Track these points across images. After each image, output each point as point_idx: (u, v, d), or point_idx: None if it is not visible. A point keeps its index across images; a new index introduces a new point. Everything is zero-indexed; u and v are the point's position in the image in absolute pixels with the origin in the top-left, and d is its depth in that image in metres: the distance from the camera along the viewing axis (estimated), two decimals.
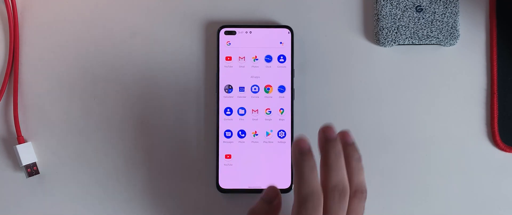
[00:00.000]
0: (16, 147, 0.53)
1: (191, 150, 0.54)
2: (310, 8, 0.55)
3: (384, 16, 0.53)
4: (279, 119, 0.53)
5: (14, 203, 0.54)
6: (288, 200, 0.54)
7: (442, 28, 0.53)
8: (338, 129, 0.53)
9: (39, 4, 0.55)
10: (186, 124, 0.54)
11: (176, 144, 0.54)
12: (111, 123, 0.54)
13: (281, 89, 0.53)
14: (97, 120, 0.54)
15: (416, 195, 0.54)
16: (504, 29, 0.54)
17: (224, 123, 0.53)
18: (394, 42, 0.53)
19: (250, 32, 0.53)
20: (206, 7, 0.55)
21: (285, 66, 0.53)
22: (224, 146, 0.53)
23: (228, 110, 0.53)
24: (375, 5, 0.54)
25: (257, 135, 0.53)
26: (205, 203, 0.53)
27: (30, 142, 0.53)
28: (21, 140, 0.53)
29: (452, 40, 0.53)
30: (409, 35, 0.53)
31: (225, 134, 0.53)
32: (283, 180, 0.53)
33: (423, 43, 0.53)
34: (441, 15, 0.53)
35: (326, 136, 0.44)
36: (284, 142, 0.53)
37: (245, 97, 0.53)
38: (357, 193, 0.44)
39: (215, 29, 0.54)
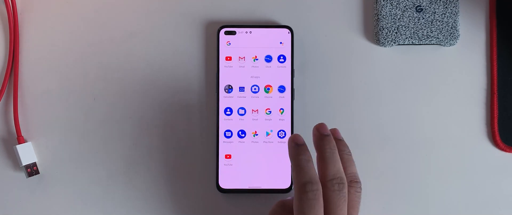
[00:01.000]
0: (16, 147, 0.53)
1: (191, 150, 0.54)
2: (310, 8, 0.55)
3: (384, 16, 0.53)
4: (279, 119, 0.53)
5: (14, 203, 0.54)
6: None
7: (442, 28, 0.53)
8: (338, 128, 0.53)
9: (39, 4, 0.55)
10: (186, 124, 0.54)
11: (176, 144, 0.54)
12: (111, 123, 0.54)
13: (281, 89, 0.53)
14: (97, 120, 0.54)
15: (416, 195, 0.54)
16: (504, 29, 0.54)
17: (224, 123, 0.53)
18: (394, 42, 0.53)
19: (250, 32, 0.53)
20: (206, 7, 0.55)
21: (285, 66, 0.53)
22: (224, 146, 0.53)
23: (228, 110, 0.53)
24: (375, 5, 0.54)
25: (257, 135, 0.53)
26: (205, 203, 0.53)
27: (30, 142, 0.53)
28: (21, 140, 0.53)
29: (452, 40, 0.53)
30: (409, 35, 0.53)
31: (225, 134, 0.53)
32: (283, 180, 0.53)
33: (423, 43, 0.53)
34: (441, 15, 0.53)
35: (320, 132, 0.47)
36: (284, 142, 0.53)
37: (245, 97, 0.53)
38: (353, 183, 0.47)
39: (215, 29, 0.54)
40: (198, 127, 0.54)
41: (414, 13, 0.53)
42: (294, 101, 0.53)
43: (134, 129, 0.54)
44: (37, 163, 0.54)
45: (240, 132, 0.53)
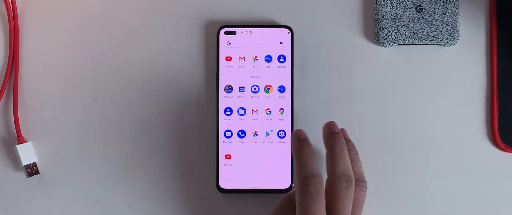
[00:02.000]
0: (16, 147, 0.53)
1: (191, 150, 0.54)
2: (310, 8, 0.55)
3: (384, 16, 0.53)
4: (279, 119, 0.53)
5: (14, 203, 0.54)
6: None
7: (442, 28, 0.53)
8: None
9: (39, 4, 0.55)
10: (186, 123, 0.54)
11: (176, 143, 0.54)
12: (111, 123, 0.54)
13: (281, 89, 0.53)
14: (97, 120, 0.54)
15: (416, 195, 0.54)
16: (504, 29, 0.54)
17: (224, 123, 0.53)
18: (394, 42, 0.53)
19: (250, 32, 0.53)
20: (206, 7, 0.55)
21: (285, 66, 0.53)
22: (224, 146, 0.53)
23: (228, 110, 0.53)
24: (375, 5, 0.54)
25: (257, 135, 0.53)
26: (205, 203, 0.53)
27: (30, 142, 0.53)
28: (21, 140, 0.53)
29: (452, 40, 0.53)
30: (409, 35, 0.53)
31: (225, 134, 0.53)
32: (283, 180, 0.53)
33: (423, 43, 0.53)
34: (441, 15, 0.53)
35: (331, 130, 0.48)
36: (284, 142, 0.53)
37: (245, 97, 0.53)
38: (359, 182, 0.47)
39: (215, 29, 0.54)
40: (198, 127, 0.54)
41: (414, 13, 0.53)
42: (294, 101, 0.53)
43: (134, 129, 0.54)
44: (37, 163, 0.54)
45: (240, 132, 0.53)
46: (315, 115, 0.54)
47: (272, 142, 0.53)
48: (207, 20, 0.54)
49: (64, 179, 0.54)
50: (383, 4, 0.53)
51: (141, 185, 0.54)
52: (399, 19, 0.53)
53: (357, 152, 0.49)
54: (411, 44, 0.54)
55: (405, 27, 0.53)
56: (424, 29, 0.53)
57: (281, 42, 0.53)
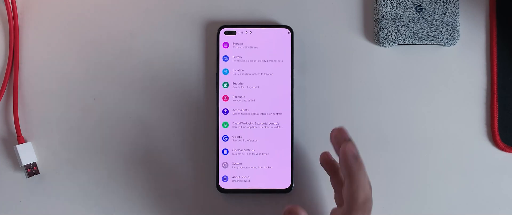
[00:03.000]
0: (16, 147, 0.53)
1: (191, 150, 0.54)
2: (310, 8, 0.55)
3: (384, 16, 0.53)
4: (279, 119, 0.53)
5: (14, 203, 0.54)
6: (288, 200, 0.54)
7: (442, 28, 0.53)
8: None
9: (39, 4, 0.55)
10: (186, 123, 0.54)
11: (176, 143, 0.54)
12: (111, 123, 0.54)
13: (281, 89, 0.53)
14: (97, 120, 0.54)
15: (416, 195, 0.54)
16: (504, 29, 0.54)
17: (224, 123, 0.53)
18: (394, 42, 0.53)
19: (250, 32, 0.53)
20: (206, 7, 0.55)
21: (285, 66, 0.53)
22: (224, 145, 0.53)
23: (228, 109, 0.53)
24: (375, 5, 0.54)
25: (257, 135, 0.53)
26: (205, 203, 0.53)
27: (30, 142, 0.53)
28: (21, 140, 0.53)
29: (452, 40, 0.53)
30: (409, 35, 0.53)
31: (225, 134, 0.53)
32: (283, 180, 0.53)
33: (423, 43, 0.53)
34: (441, 15, 0.53)
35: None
36: (284, 142, 0.53)
37: (245, 97, 0.53)
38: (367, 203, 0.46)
39: (215, 29, 0.54)
40: (198, 127, 0.54)
41: (414, 13, 0.53)
42: (294, 101, 0.53)
43: (134, 129, 0.54)
44: (37, 163, 0.54)
45: (240, 132, 0.53)
46: (315, 115, 0.54)
47: (272, 142, 0.53)
48: (207, 20, 0.54)
49: (64, 179, 0.54)
50: (383, 4, 0.53)
51: (141, 185, 0.54)
52: (399, 19, 0.53)
53: (357, 154, 0.46)
54: (411, 44, 0.54)
55: (405, 27, 0.53)
56: (424, 29, 0.53)
57: (281, 42, 0.53)
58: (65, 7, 0.55)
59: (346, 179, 0.45)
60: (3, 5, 0.54)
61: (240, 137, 0.53)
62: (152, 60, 0.54)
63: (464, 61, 0.54)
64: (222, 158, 0.53)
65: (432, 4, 0.53)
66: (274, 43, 0.53)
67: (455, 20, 0.53)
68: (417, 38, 0.53)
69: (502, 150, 0.53)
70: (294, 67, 0.54)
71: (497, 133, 0.53)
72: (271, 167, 0.53)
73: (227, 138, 0.53)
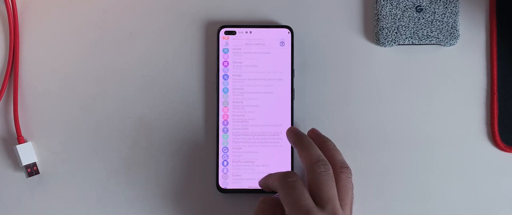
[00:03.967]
0: (16, 147, 0.53)
1: (191, 150, 0.54)
2: (310, 8, 0.55)
3: (384, 16, 0.53)
4: (279, 119, 0.53)
5: (14, 203, 0.54)
6: None
7: (442, 28, 0.53)
8: (337, 128, 0.53)
9: (39, 4, 0.55)
10: (186, 124, 0.54)
11: (176, 144, 0.54)
12: (111, 123, 0.54)
13: (281, 89, 0.53)
14: (97, 120, 0.54)
15: (416, 195, 0.53)
16: (504, 29, 0.54)
17: (224, 123, 0.53)
18: (394, 42, 0.53)
19: (250, 32, 0.53)
20: (206, 7, 0.55)
21: (285, 66, 0.53)
22: (224, 145, 0.53)
23: (227, 109, 0.53)
24: (375, 5, 0.54)
25: (257, 134, 0.53)
26: (205, 203, 0.53)
27: (30, 142, 0.53)
28: (21, 140, 0.53)
29: (452, 40, 0.53)
30: (409, 35, 0.53)
31: (224, 134, 0.53)
32: None
33: (423, 43, 0.53)
34: (441, 15, 0.53)
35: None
36: (284, 142, 0.53)
37: (244, 97, 0.53)
38: (343, 168, 0.47)
39: (215, 29, 0.54)
40: (198, 127, 0.54)
41: (414, 13, 0.53)
42: (294, 101, 0.53)
43: (134, 129, 0.54)
44: (37, 163, 0.54)
45: (240, 132, 0.53)
46: (315, 115, 0.54)
47: (272, 142, 0.53)
48: (207, 20, 0.54)
49: (64, 179, 0.54)
50: (383, 4, 0.53)
51: (141, 185, 0.54)
52: (399, 19, 0.53)
53: (333, 143, 0.49)
54: (411, 44, 0.54)
55: (405, 27, 0.53)
56: (424, 29, 0.53)
57: (281, 42, 0.53)
58: (65, 7, 0.55)
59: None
60: (3, 5, 0.54)
61: (240, 136, 0.53)
62: (152, 60, 0.54)
63: (464, 61, 0.54)
64: (222, 157, 0.53)
65: (432, 4, 0.53)
66: (274, 43, 0.53)
67: (455, 20, 0.53)
68: (417, 38, 0.53)
69: (502, 150, 0.53)
70: (294, 67, 0.54)
71: (497, 133, 0.53)
72: (271, 167, 0.53)
73: (227, 137, 0.53)
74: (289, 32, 0.53)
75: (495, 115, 0.53)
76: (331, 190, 0.45)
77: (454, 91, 0.54)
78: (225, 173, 0.53)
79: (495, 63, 0.54)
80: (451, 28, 0.53)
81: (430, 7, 0.53)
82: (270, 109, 0.53)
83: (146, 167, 0.54)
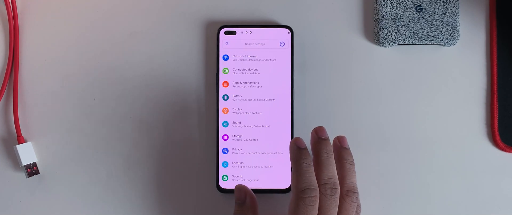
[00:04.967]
0: (16, 147, 0.53)
1: (191, 150, 0.54)
2: (310, 8, 0.55)
3: (384, 16, 0.53)
4: (279, 119, 0.53)
5: (14, 203, 0.54)
6: (288, 200, 0.54)
7: (442, 28, 0.53)
8: (337, 128, 0.53)
9: (39, 4, 0.55)
10: (186, 124, 0.54)
11: (176, 144, 0.54)
12: (111, 123, 0.54)
13: (281, 89, 0.53)
14: (97, 120, 0.54)
15: (416, 195, 0.53)
16: (504, 29, 0.54)
17: (224, 123, 0.53)
18: (394, 42, 0.53)
19: (250, 32, 0.53)
20: (206, 7, 0.55)
21: (285, 66, 0.53)
22: (224, 145, 0.53)
23: (228, 109, 0.53)
24: (375, 5, 0.54)
25: (257, 134, 0.53)
26: (205, 203, 0.53)
27: (30, 142, 0.53)
28: (21, 140, 0.53)
29: (452, 40, 0.53)
30: (409, 35, 0.53)
31: (224, 134, 0.53)
32: (283, 180, 0.53)
33: (423, 43, 0.53)
34: (441, 15, 0.53)
35: (318, 135, 0.47)
36: (284, 142, 0.53)
37: (244, 97, 0.53)
38: (349, 192, 0.47)
39: (215, 29, 0.54)
40: (198, 127, 0.54)
41: (414, 13, 0.53)
42: (294, 101, 0.53)
43: (134, 129, 0.54)
44: (37, 163, 0.54)
45: (240, 132, 0.53)
46: (315, 115, 0.54)
47: (272, 142, 0.53)
48: (207, 20, 0.55)
49: (64, 179, 0.54)
50: (383, 4, 0.53)
51: (141, 185, 0.54)
52: (399, 19, 0.53)
53: (353, 161, 0.48)
54: (411, 44, 0.54)
55: (405, 27, 0.53)
56: (424, 29, 0.53)
57: (281, 42, 0.53)
58: (65, 7, 0.55)
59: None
60: (3, 5, 0.54)
61: (240, 136, 0.53)
62: (152, 60, 0.54)
63: (464, 61, 0.54)
64: (222, 158, 0.53)
65: (432, 4, 0.53)
66: (274, 43, 0.53)
67: (455, 20, 0.53)
68: (417, 38, 0.53)
69: (502, 150, 0.53)
70: (294, 67, 0.54)
71: (497, 133, 0.53)
72: (271, 167, 0.53)
73: (227, 137, 0.53)
74: (289, 32, 0.53)
75: (495, 115, 0.53)
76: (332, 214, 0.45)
77: (454, 91, 0.54)
78: (225, 173, 0.53)
79: (495, 63, 0.54)
80: (451, 28, 0.53)
81: (430, 7, 0.53)
82: (270, 109, 0.53)
83: (146, 167, 0.54)
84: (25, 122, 0.54)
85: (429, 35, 0.53)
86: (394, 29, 0.53)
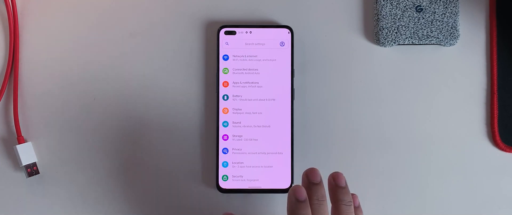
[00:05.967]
0: (16, 147, 0.53)
1: (191, 150, 0.54)
2: (310, 8, 0.55)
3: (384, 16, 0.53)
4: (279, 119, 0.53)
5: (14, 203, 0.54)
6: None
7: (442, 28, 0.53)
8: (337, 128, 0.53)
9: (39, 4, 0.55)
10: (186, 124, 0.54)
11: (176, 143, 0.54)
12: (111, 123, 0.54)
13: (281, 89, 0.53)
14: (97, 120, 0.54)
15: (416, 195, 0.54)
16: (504, 29, 0.54)
17: (224, 123, 0.53)
18: (394, 42, 0.53)
19: (250, 32, 0.53)
20: (206, 7, 0.55)
21: (285, 66, 0.53)
22: (224, 145, 0.53)
23: (228, 109, 0.53)
24: (375, 5, 0.54)
25: (257, 134, 0.53)
26: (205, 203, 0.53)
27: (30, 142, 0.53)
28: (21, 140, 0.53)
29: (452, 40, 0.53)
30: (409, 35, 0.53)
31: (224, 134, 0.53)
32: (283, 180, 0.53)
33: (423, 43, 0.53)
34: (441, 15, 0.53)
35: (309, 179, 0.45)
36: (284, 142, 0.53)
37: (244, 97, 0.53)
38: None
39: (215, 29, 0.54)
40: (198, 127, 0.54)
41: (414, 13, 0.53)
42: (294, 101, 0.53)
43: (134, 129, 0.54)
44: (37, 163, 0.54)
45: (240, 132, 0.53)
46: (315, 115, 0.54)
47: (272, 142, 0.53)
48: (207, 20, 0.54)
49: (64, 179, 0.54)
50: (383, 4, 0.53)
51: (140, 185, 0.54)
52: (399, 19, 0.53)
53: (350, 201, 0.45)
54: (411, 44, 0.54)
55: (405, 27, 0.53)
56: (424, 29, 0.53)
57: (281, 42, 0.53)
58: (65, 7, 0.55)
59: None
60: (3, 5, 0.54)
61: (240, 136, 0.53)
62: (152, 60, 0.54)
63: (464, 61, 0.54)
64: (222, 158, 0.53)
65: (432, 4, 0.53)
66: (274, 43, 0.53)
67: (455, 20, 0.53)
68: (417, 38, 0.53)
69: (502, 150, 0.53)
70: (294, 67, 0.54)
71: (497, 133, 0.53)
72: (271, 167, 0.53)
73: (227, 137, 0.53)
74: (289, 32, 0.53)
75: (495, 115, 0.53)
76: None
77: (454, 91, 0.54)
78: (225, 173, 0.53)
79: (495, 63, 0.54)
80: (451, 28, 0.53)
81: (430, 7, 0.53)
82: (270, 109, 0.53)
83: (146, 167, 0.54)
84: (25, 122, 0.54)
85: (429, 35, 0.53)
86: (394, 29, 0.53)
